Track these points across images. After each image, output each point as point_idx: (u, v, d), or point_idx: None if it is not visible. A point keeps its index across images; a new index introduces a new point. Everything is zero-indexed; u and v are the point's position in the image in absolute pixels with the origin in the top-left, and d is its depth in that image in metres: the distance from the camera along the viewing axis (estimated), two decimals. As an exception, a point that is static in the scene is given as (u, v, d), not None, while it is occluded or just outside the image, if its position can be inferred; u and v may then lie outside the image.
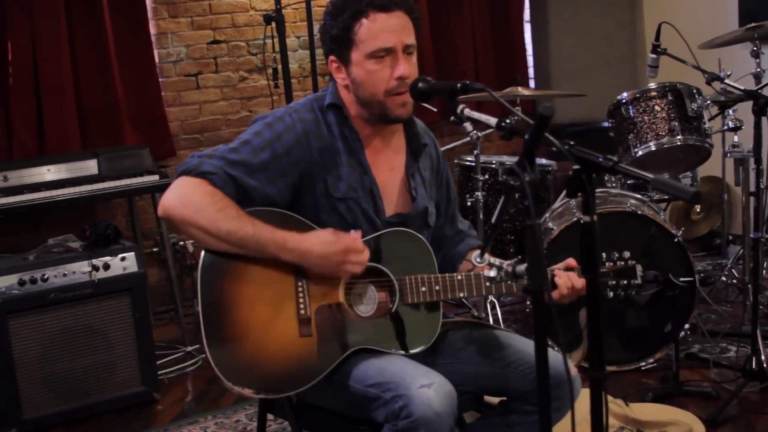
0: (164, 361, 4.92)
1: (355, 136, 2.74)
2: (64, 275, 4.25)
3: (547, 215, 4.60)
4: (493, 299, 4.93)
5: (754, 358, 4.00)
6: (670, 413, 3.56)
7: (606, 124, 4.92)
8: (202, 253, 2.56)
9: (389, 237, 2.72)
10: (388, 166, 2.82)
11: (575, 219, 4.24)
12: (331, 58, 2.73)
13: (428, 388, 2.41)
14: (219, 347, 2.50)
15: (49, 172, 4.84)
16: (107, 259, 4.35)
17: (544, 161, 5.15)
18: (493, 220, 2.18)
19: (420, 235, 2.76)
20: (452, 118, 4.79)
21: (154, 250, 5.80)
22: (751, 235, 4.61)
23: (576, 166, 2.00)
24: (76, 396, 4.29)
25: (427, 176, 2.90)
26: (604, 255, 2.69)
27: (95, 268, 4.30)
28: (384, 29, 2.62)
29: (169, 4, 5.84)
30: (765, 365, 4.00)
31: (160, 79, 5.84)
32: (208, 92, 6.06)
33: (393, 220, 2.78)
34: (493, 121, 2.28)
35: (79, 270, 4.29)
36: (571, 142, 2.05)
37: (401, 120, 2.75)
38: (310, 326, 2.57)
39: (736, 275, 5.27)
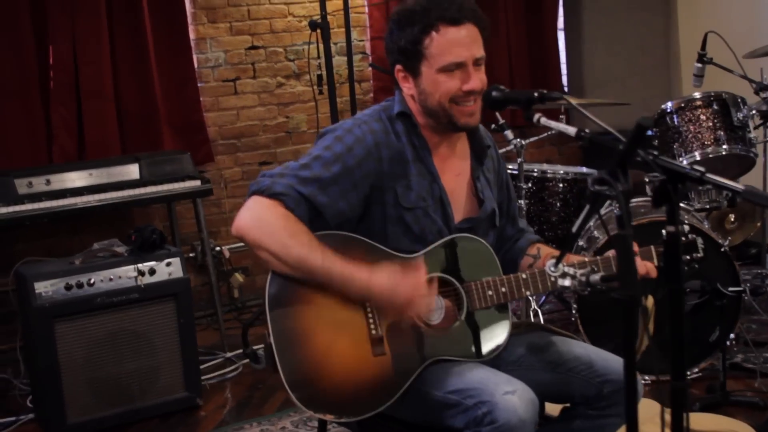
0: (204, 366, 4.91)
1: (423, 143, 2.73)
2: (110, 280, 4.25)
3: (591, 224, 4.58)
4: (536, 307, 4.92)
5: (801, 369, 3.99)
6: (725, 423, 3.54)
7: (648, 132, 4.89)
8: (269, 278, 2.55)
9: (452, 244, 2.71)
10: (455, 172, 2.81)
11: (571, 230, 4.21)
12: (398, 67, 2.72)
13: (512, 395, 2.40)
14: (295, 376, 2.49)
15: (91, 176, 4.84)
16: (153, 264, 4.35)
17: (584, 170, 5.13)
18: (574, 229, 2.16)
19: (482, 240, 2.76)
20: (493, 126, 4.79)
21: (191, 255, 5.81)
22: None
23: (662, 177, 1.99)
24: (120, 401, 4.28)
25: (491, 178, 2.91)
26: (663, 233, 2.67)
27: (141, 273, 4.30)
28: (454, 43, 2.61)
29: (208, 10, 5.86)
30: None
31: (199, 84, 5.85)
32: (246, 98, 6.07)
33: (462, 226, 2.77)
34: (572, 130, 2.26)
35: (125, 275, 4.29)
36: (655, 152, 2.03)
37: (469, 128, 2.74)
38: (383, 345, 2.56)
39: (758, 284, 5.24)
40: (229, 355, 5.12)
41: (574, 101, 2.37)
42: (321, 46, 5.03)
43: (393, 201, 2.67)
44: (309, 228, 2.55)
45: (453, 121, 2.67)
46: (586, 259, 2.72)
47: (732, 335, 4.35)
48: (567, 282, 2.39)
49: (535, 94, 2.42)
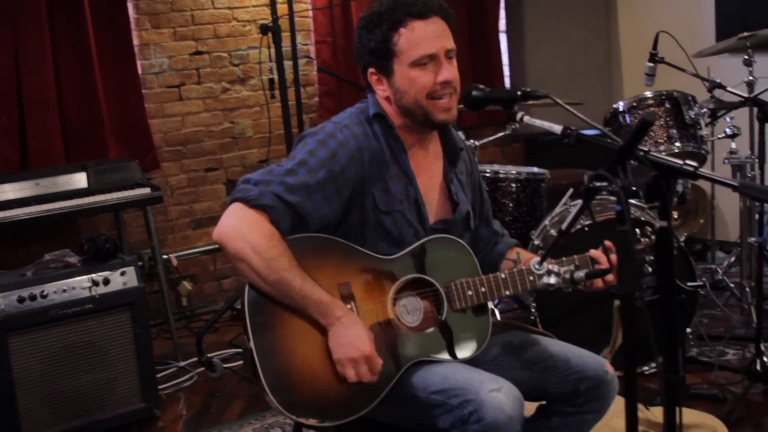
0: (158, 377, 4.82)
1: (399, 145, 2.71)
2: (64, 291, 4.15)
3: (547, 222, 4.61)
4: (491, 307, 4.91)
5: (757, 361, 4.03)
6: (693, 416, 3.57)
7: (585, 132, 4.93)
8: (246, 286, 2.52)
9: (430, 245, 2.70)
10: (429, 173, 2.81)
11: (579, 226, 4.23)
12: (371, 70, 2.70)
13: (498, 392, 2.40)
14: (277, 381, 2.45)
15: (37, 186, 4.75)
16: (107, 273, 4.26)
17: (535, 170, 5.15)
18: (564, 226, 2.16)
19: (460, 240, 2.76)
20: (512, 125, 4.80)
21: (139, 264, 5.70)
22: (752, 240, 4.68)
23: (654, 173, 2.00)
24: (76, 414, 4.18)
25: (464, 180, 2.90)
26: (638, 231, 2.68)
27: (95, 283, 4.21)
28: (424, 36, 2.61)
29: (151, 15, 5.77)
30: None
31: (143, 91, 5.76)
32: (191, 104, 6.00)
33: (437, 227, 2.77)
34: (557, 128, 2.27)
35: (79, 286, 4.19)
36: (646, 149, 2.04)
37: (446, 124, 2.73)
38: None
39: (727, 280, 5.32)
40: (182, 363, 5.05)
41: (558, 99, 2.35)
42: (271, 50, 4.98)
43: (371, 205, 2.66)
44: (291, 233, 2.54)
45: (430, 117, 2.66)
46: (564, 259, 2.73)
47: (688, 330, 4.41)
48: (552, 279, 2.40)
49: (518, 93, 2.42)
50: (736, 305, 5.18)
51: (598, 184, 1.93)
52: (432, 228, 2.75)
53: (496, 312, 4.92)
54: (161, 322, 5.53)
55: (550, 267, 2.38)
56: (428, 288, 2.67)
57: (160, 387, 4.69)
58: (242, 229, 2.48)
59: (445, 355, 2.64)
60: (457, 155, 2.87)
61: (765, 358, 4.04)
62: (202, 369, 4.92)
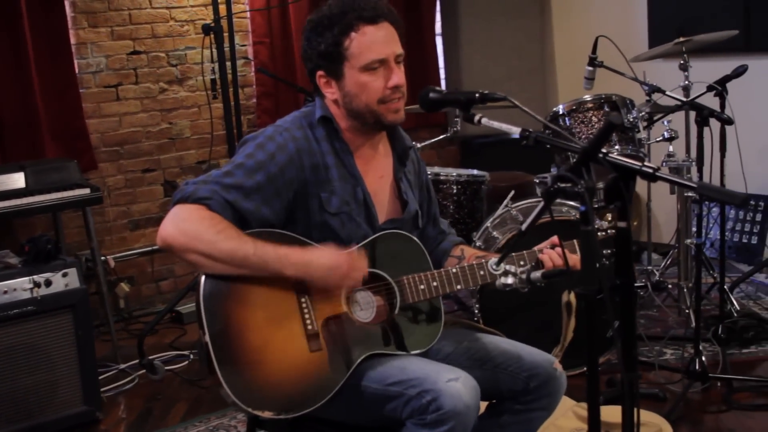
0: (99, 379, 4.77)
1: (345, 147, 2.74)
2: (5, 293, 4.08)
3: (488, 224, 4.65)
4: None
5: (696, 360, 4.13)
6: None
7: (515, 136, 5.00)
8: (202, 280, 2.52)
9: (382, 241, 2.73)
10: (378, 173, 2.84)
11: (520, 228, 4.29)
12: (320, 73, 2.72)
13: (456, 382, 2.44)
14: (233, 374, 2.46)
15: (-28, 186, 4.66)
16: (49, 275, 4.21)
17: (475, 172, 5.21)
18: (524, 227, 2.21)
19: (411, 236, 2.80)
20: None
21: (77, 265, 5.65)
22: (689, 242, 4.79)
23: (613, 174, 2.05)
24: (17, 417, 4.12)
25: (413, 179, 2.94)
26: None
27: (36, 284, 4.16)
28: (375, 41, 2.64)
29: (89, 14, 5.70)
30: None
31: (80, 90, 5.69)
32: (128, 104, 5.94)
33: (386, 227, 2.80)
34: (515, 130, 2.30)
35: (20, 287, 4.13)
36: (604, 151, 2.09)
37: (395, 125, 2.77)
38: (319, 340, 2.56)
39: (666, 281, 5.43)
40: (123, 366, 5.00)
41: (517, 102, 2.39)
42: (210, 50, 4.97)
43: (317, 207, 2.68)
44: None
45: (380, 120, 2.70)
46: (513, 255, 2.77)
47: (627, 329, 4.48)
48: (509, 280, 2.44)
49: (476, 95, 2.45)
50: (673, 306, 5.29)
51: (561, 185, 1.97)
52: (381, 228, 2.78)
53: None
54: (99, 324, 5.46)
55: (507, 267, 2.41)
56: (381, 282, 2.70)
57: (101, 390, 4.64)
58: (181, 222, 2.49)
59: (397, 350, 2.67)
60: (406, 154, 2.91)
61: (703, 358, 4.13)
62: (144, 371, 4.88)
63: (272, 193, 2.60)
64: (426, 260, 2.79)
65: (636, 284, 4.28)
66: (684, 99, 4.21)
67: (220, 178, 2.56)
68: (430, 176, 4.87)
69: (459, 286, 2.74)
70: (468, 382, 2.48)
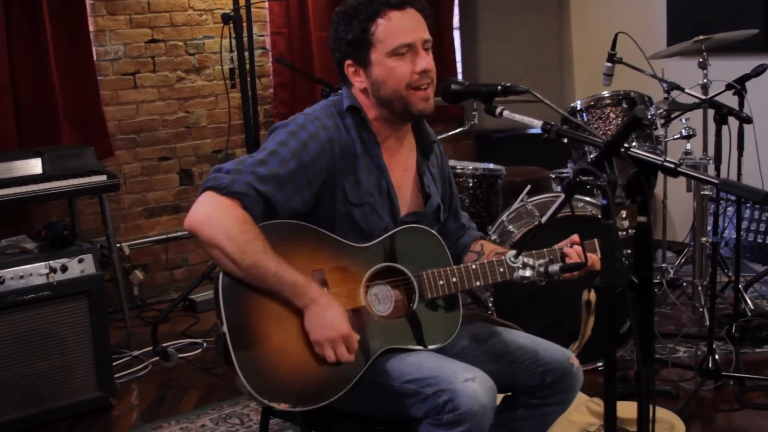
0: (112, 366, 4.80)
1: (372, 138, 2.74)
2: (21, 277, 4.11)
3: (504, 218, 4.65)
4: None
5: (710, 358, 4.12)
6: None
7: (536, 130, 5.00)
8: (220, 273, 2.52)
9: (402, 235, 2.73)
10: (402, 166, 2.83)
11: (536, 222, 4.29)
12: (348, 62, 2.72)
13: (473, 382, 2.43)
14: (249, 365, 2.47)
15: (-10, 172, 4.68)
16: (65, 260, 4.23)
17: (492, 166, 5.20)
18: (543, 220, 2.21)
19: (432, 231, 2.79)
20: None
21: (93, 252, 5.67)
22: (704, 240, 4.78)
23: (635, 169, 2.05)
24: (31, 402, 4.15)
25: (436, 173, 2.94)
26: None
27: (53, 270, 4.18)
28: (402, 26, 2.64)
29: (107, 1, 5.71)
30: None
31: (98, 78, 5.70)
32: (146, 92, 5.95)
33: (408, 220, 2.79)
34: (537, 123, 2.30)
35: (36, 272, 4.15)
36: (626, 145, 2.09)
37: (424, 115, 2.76)
38: None
39: (681, 279, 5.43)
40: (136, 353, 5.02)
41: (539, 95, 2.39)
42: (227, 40, 4.98)
43: (342, 197, 2.67)
44: (262, 221, 2.55)
45: (409, 108, 2.69)
46: (534, 252, 2.76)
47: (641, 326, 4.48)
48: (528, 273, 2.44)
49: (499, 87, 2.45)
50: (687, 304, 5.28)
51: (583, 178, 1.97)
52: (403, 220, 2.78)
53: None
54: (114, 311, 5.48)
55: (526, 260, 2.41)
56: (400, 277, 2.70)
57: (114, 376, 4.66)
58: (215, 215, 2.49)
59: (415, 344, 2.66)
60: (430, 148, 2.90)
61: (716, 356, 4.13)
62: (157, 358, 4.90)
63: (304, 183, 2.60)
64: (446, 255, 2.79)
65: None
66: (703, 97, 4.19)
67: (255, 167, 2.55)
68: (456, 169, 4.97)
69: (478, 283, 2.74)
70: (485, 383, 2.47)
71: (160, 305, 5.91)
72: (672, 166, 2.02)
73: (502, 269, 2.71)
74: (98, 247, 5.43)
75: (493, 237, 4.60)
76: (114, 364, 4.79)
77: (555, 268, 2.43)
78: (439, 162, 2.99)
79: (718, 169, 4.05)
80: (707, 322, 4.22)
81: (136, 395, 4.57)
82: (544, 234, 2.31)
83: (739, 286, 4.59)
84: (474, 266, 2.73)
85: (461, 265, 2.74)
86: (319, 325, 2.50)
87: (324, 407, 2.58)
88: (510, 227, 4.55)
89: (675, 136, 4.86)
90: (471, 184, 5.04)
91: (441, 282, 2.70)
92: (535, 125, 2.30)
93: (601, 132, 4.62)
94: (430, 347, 2.68)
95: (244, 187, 2.50)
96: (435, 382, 2.47)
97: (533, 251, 2.75)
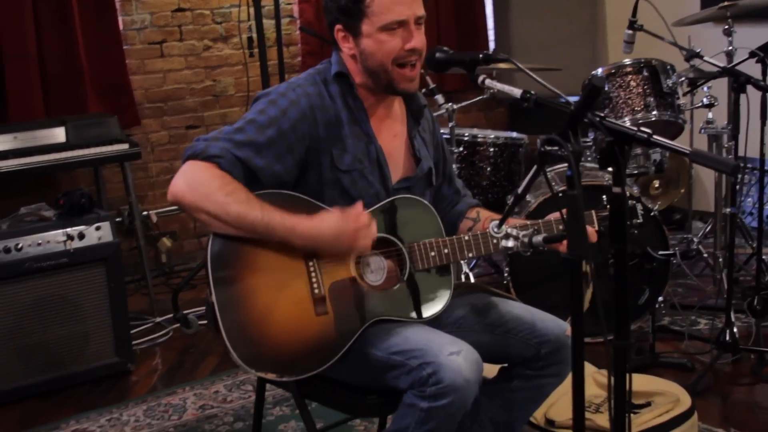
0: (134, 332, 4.86)
1: (359, 105, 2.72)
2: (39, 245, 4.17)
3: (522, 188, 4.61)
4: (467, 270, 4.95)
5: (727, 331, 4.07)
6: (656, 384, 3.60)
7: (564, 99, 4.94)
8: (210, 240, 2.53)
9: (394, 205, 2.71)
10: (391, 132, 2.82)
11: (552, 192, 4.26)
12: (338, 27, 2.70)
13: (457, 356, 2.41)
14: (237, 335, 2.48)
15: (15, 140, 4.74)
16: (82, 228, 4.28)
17: (514, 135, 5.17)
18: (519, 190, 2.19)
19: (424, 201, 2.77)
20: (423, 90, 4.80)
21: (118, 220, 5.73)
22: (727, 211, 4.70)
23: (609, 138, 2.02)
24: (49, 367, 4.23)
25: (427, 138, 2.91)
26: (604, 198, 2.70)
27: (70, 237, 4.24)
28: (397, 2, 2.60)
29: (134, -30, 5.75)
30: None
31: (125, 47, 5.74)
32: (173, 61, 5.98)
33: (399, 186, 2.78)
34: (517, 92, 2.28)
35: (54, 239, 4.21)
36: (602, 114, 2.06)
37: (407, 94, 2.75)
38: (326, 304, 2.56)
39: (702, 250, 5.36)
40: (159, 319, 5.09)
41: (520, 64, 2.37)
42: (251, 9, 4.97)
43: (329, 164, 2.66)
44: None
45: (393, 85, 2.67)
46: (528, 222, 2.74)
47: (660, 298, 4.45)
48: (510, 243, 2.42)
49: (480, 56, 2.43)
50: (711, 275, 5.21)
51: (549, 148, 1.95)
52: (394, 187, 2.77)
53: (471, 276, 4.96)
54: (139, 279, 5.54)
55: (509, 230, 2.39)
56: (392, 247, 2.69)
57: (135, 342, 4.73)
58: (192, 180, 2.49)
59: (406, 315, 2.66)
60: (420, 112, 2.88)
61: (735, 329, 4.07)
62: (178, 325, 4.95)
63: (284, 150, 2.59)
64: (438, 226, 2.77)
65: (666, 252, 4.21)
66: (722, 65, 4.11)
67: (232, 134, 2.56)
68: (467, 138, 4.96)
69: (471, 254, 2.72)
70: (469, 356, 2.46)
71: (187, 272, 5.96)
72: (645, 135, 1.98)
73: (495, 240, 2.69)
74: (126, 215, 5.53)
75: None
76: (136, 330, 4.89)
77: (539, 239, 2.41)
78: (431, 127, 2.97)
79: (735, 138, 3.99)
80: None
81: (155, 361, 4.63)
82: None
83: (763, 257, 4.51)
84: (467, 237, 2.71)
85: (453, 237, 2.72)
86: (332, 246, 2.53)
87: (317, 377, 2.60)
88: (527, 196, 4.52)
89: (697, 105, 4.79)
90: (492, 153, 5.01)
91: (433, 253, 2.68)
92: (515, 93, 2.28)
93: (621, 101, 4.57)
94: (421, 318, 2.67)
95: (220, 151, 2.50)
96: (420, 355, 2.46)
97: (528, 222, 2.73)
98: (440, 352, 2.44)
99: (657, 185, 6.49)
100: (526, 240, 2.42)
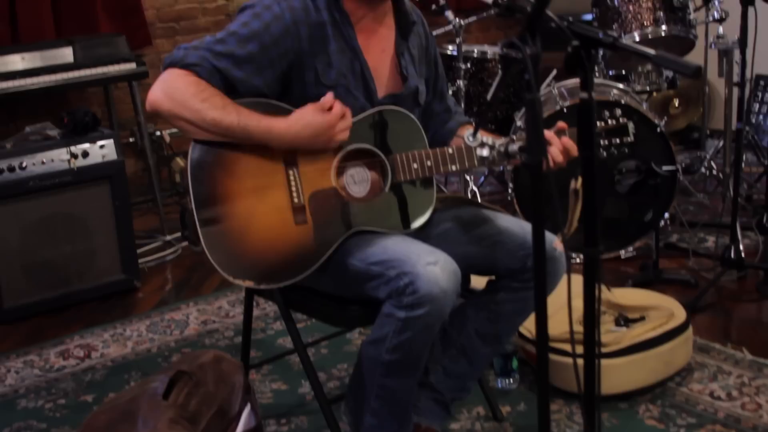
0: (143, 250, 4.92)
1: (345, 19, 2.67)
2: (43, 163, 4.20)
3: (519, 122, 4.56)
4: (474, 188, 4.93)
5: (732, 248, 4.02)
6: (652, 298, 3.58)
7: (586, 16, 4.87)
8: (191, 148, 2.52)
9: (378, 116, 2.68)
10: (379, 48, 2.77)
11: (558, 108, 4.20)
12: None
13: (434, 266, 2.40)
14: (216, 242, 2.49)
15: (23, 60, 4.74)
16: (86, 146, 4.30)
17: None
18: (489, 96, 2.16)
19: (409, 113, 2.73)
20: (433, 6, 4.73)
21: (131, 140, 5.76)
22: (734, 127, 4.63)
23: (575, 42, 1.98)
24: (56, 284, 4.29)
25: (416, 54, 2.86)
26: (607, 113, 2.66)
27: (74, 155, 4.26)
28: None
29: None
30: (743, 255, 4.04)
31: (135, -34, 5.70)
32: (185, -21, 5.94)
33: (385, 101, 2.74)
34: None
35: (58, 158, 4.24)
36: (570, 19, 2.02)
37: None
38: (305, 213, 2.56)
39: (714, 167, 5.29)
40: (168, 238, 5.13)
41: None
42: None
43: (313, 79, 2.63)
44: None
45: None
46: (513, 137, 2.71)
47: (667, 215, 4.41)
48: (485, 152, 2.40)
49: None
50: (722, 193, 5.15)
51: (507, 51, 1.91)
52: (380, 102, 2.74)
53: (477, 193, 4.94)
54: (152, 198, 5.58)
55: (484, 139, 2.37)
56: (375, 158, 2.67)
57: (144, 260, 4.78)
58: (168, 88, 2.47)
59: (387, 227, 2.65)
60: (409, 29, 2.83)
61: (741, 246, 4.03)
62: (186, 243, 4.98)
63: (265, 64, 2.56)
64: (422, 138, 2.73)
65: (668, 168, 4.15)
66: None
67: (212, 45, 2.53)
68: (476, 55, 4.90)
69: (454, 167, 2.68)
70: (447, 266, 2.44)
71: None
72: (610, 40, 1.94)
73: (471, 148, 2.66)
74: (138, 134, 5.54)
75: (519, 123, 4.52)
76: (146, 248, 4.93)
77: (514, 147, 2.39)
78: (423, 43, 2.91)
79: (743, 52, 3.89)
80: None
81: (162, 278, 4.68)
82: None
83: (773, 174, 4.46)
84: (450, 150, 2.67)
85: (437, 149, 2.68)
86: (309, 137, 2.52)
87: (301, 288, 2.60)
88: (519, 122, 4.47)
89: (709, 20, 4.69)
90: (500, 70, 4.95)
91: (415, 165, 2.66)
92: (488, 0, 2.23)
93: (630, 16, 4.49)
94: (402, 230, 2.67)
95: (198, 59, 2.48)
96: (398, 265, 2.45)
97: (513, 135, 2.70)
98: (417, 263, 2.43)
99: (677, 104, 6.40)
100: (502, 149, 2.40)
